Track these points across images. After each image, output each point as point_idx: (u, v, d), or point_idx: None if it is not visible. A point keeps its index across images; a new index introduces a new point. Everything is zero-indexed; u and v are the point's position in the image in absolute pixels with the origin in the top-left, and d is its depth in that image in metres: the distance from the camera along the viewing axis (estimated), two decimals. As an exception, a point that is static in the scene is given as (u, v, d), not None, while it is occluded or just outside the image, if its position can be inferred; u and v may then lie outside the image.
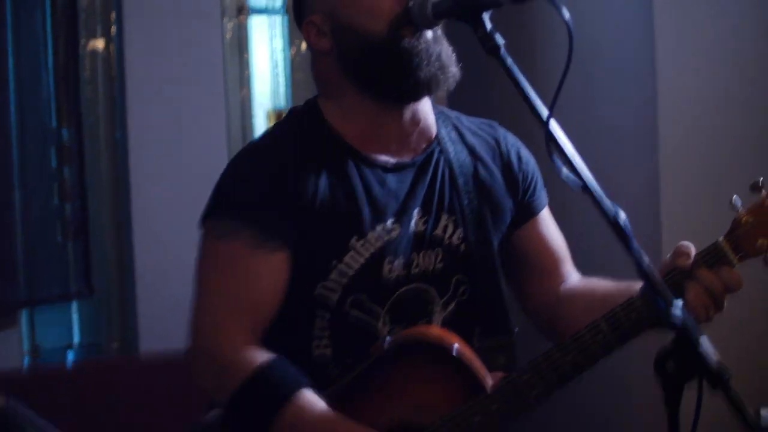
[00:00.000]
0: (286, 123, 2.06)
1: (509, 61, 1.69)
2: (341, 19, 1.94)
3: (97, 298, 3.90)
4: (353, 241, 1.92)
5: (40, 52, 3.73)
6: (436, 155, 2.04)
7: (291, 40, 4.27)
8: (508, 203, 2.10)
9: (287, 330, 1.94)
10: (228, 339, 1.86)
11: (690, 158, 3.60)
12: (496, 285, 2.06)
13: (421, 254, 1.98)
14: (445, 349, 1.88)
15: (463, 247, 2.02)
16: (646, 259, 1.53)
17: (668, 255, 1.88)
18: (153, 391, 3.36)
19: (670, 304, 1.49)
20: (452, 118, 2.14)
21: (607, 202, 1.58)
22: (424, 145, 2.04)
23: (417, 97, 1.96)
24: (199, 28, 3.92)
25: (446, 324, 2.00)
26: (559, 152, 1.63)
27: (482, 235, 2.03)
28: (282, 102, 4.28)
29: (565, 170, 1.60)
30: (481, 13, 1.72)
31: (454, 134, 2.09)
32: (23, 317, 3.82)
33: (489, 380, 1.87)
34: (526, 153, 2.16)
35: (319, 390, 1.87)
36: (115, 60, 3.88)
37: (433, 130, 2.06)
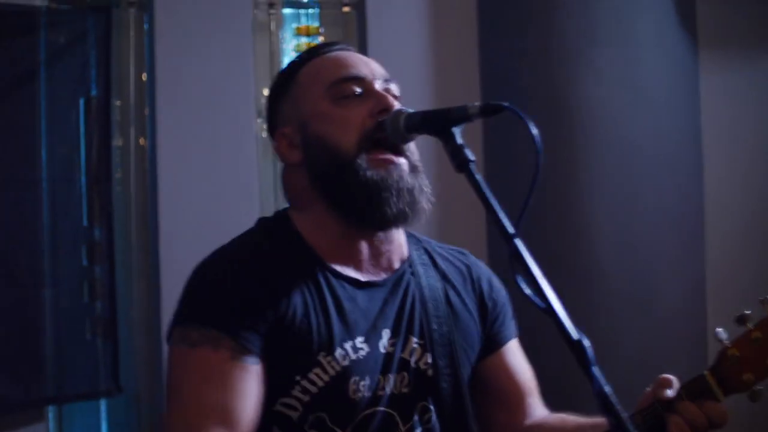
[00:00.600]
0: (256, 230, 2.00)
1: (478, 176, 1.66)
2: (312, 131, 1.90)
3: (126, 396, 3.89)
4: (320, 357, 1.83)
5: (73, 150, 3.80)
6: (407, 276, 1.97)
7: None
8: (477, 331, 2.03)
9: None
10: None
11: (737, 253, 3.55)
12: (463, 414, 1.96)
13: (387, 376, 1.90)
14: None
15: (430, 372, 1.93)
16: (607, 388, 1.47)
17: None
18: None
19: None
20: (423, 241, 2.07)
21: (569, 325, 1.52)
22: (396, 265, 1.97)
23: (382, 229, 1.90)
24: (232, 129, 3.98)
25: None
26: (525, 271, 1.58)
27: (451, 361, 1.94)
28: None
29: (528, 290, 1.55)
30: (450, 128, 1.70)
31: (425, 257, 2.03)
32: (51, 413, 3.82)
33: None
34: (497, 282, 2.10)
35: None
36: (148, 157, 3.93)
37: (405, 251, 2.00)
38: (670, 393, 1.74)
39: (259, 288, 1.83)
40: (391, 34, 4.19)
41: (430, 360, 1.93)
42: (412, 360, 1.92)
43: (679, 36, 3.82)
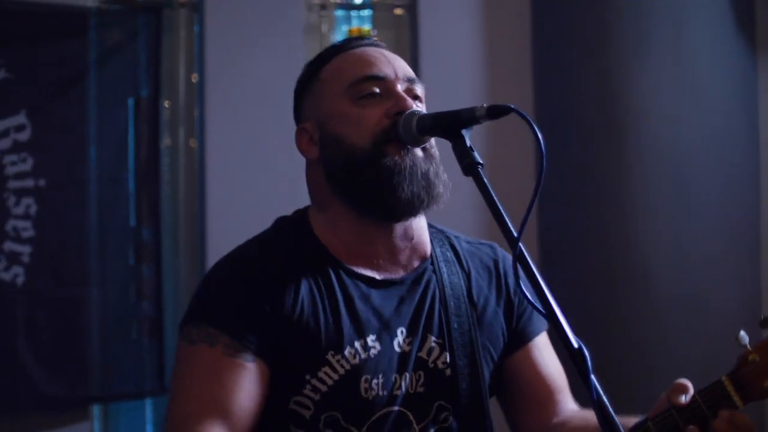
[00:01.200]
0: (272, 231, 2.02)
1: (485, 180, 1.64)
2: (329, 129, 1.90)
3: (171, 396, 3.90)
4: (329, 356, 1.83)
5: (122, 151, 3.82)
6: (427, 275, 1.94)
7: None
8: (501, 328, 2.00)
9: None
10: None
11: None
12: (482, 414, 1.93)
13: (404, 375, 1.88)
14: None
15: (448, 371, 1.91)
16: (604, 397, 1.43)
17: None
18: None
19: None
20: (451, 238, 2.05)
21: (570, 332, 1.48)
22: (416, 263, 1.95)
23: (399, 217, 1.87)
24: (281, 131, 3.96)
25: None
26: (529, 276, 1.56)
27: (471, 361, 1.93)
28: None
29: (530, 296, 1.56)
30: (460, 130, 1.68)
31: (450, 254, 2.00)
32: (96, 412, 3.85)
33: None
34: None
35: None
36: (197, 158, 3.94)
37: (428, 249, 1.97)
38: (684, 399, 1.68)
39: (264, 288, 1.85)
40: (443, 36, 4.14)
41: (448, 359, 1.91)
42: (430, 359, 1.90)
43: (736, 39, 3.71)
